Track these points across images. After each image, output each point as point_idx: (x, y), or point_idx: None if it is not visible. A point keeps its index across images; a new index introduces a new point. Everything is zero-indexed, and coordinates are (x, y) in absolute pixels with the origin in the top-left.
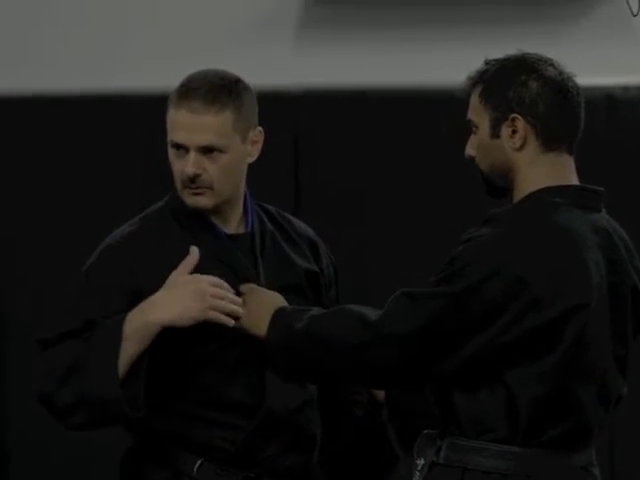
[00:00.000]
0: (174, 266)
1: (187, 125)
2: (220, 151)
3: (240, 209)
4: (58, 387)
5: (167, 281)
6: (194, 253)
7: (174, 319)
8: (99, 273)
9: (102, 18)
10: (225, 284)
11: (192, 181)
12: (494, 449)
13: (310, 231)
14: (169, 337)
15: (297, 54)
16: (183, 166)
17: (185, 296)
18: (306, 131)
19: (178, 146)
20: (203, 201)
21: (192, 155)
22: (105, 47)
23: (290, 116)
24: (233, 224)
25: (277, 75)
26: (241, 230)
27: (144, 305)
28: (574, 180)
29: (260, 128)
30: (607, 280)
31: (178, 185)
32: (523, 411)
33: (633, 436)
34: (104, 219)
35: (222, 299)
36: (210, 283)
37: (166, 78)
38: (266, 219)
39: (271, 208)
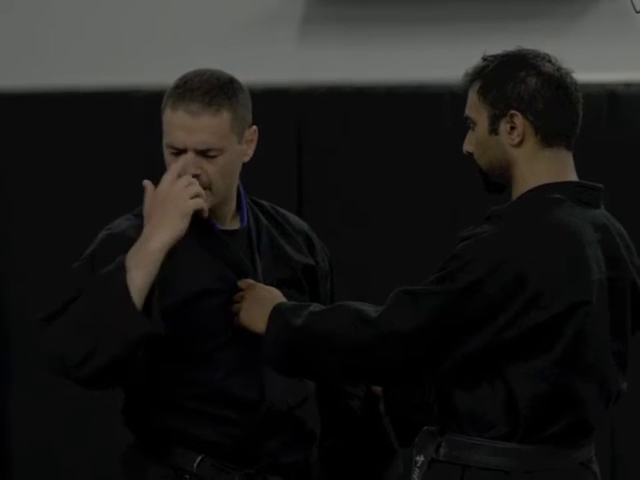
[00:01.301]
0: (171, 261)
1: (185, 127)
2: (218, 152)
3: (234, 205)
4: (71, 340)
5: (145, 215)
6: (148, 184)
7: (172, 234)
8: (104, 258)
9: (107, 12)
10: (175, 166)
11: None
12: (494, 446)
13: (304, 225)
14: (169, 333)
15: (300, 51)
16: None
17: (166, 211)
18: (309, 127)
19: (176, 149)
20: (200, 203)
21: (190, 156)
22: (108, 43)
23: (293, 112)
24: (228, 220)
25: (280, 71)
26: (236, 225)
27: (138, 244)
28: (573, 176)
29: (255, 127)
30: (607, 277)
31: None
32: (523, 408)
33: (634, 432)
34: (104, 214)
35: (194, 183)
36: (169, 183)
37: (169, 75)
38: (260, 214)
39: (265, 203)
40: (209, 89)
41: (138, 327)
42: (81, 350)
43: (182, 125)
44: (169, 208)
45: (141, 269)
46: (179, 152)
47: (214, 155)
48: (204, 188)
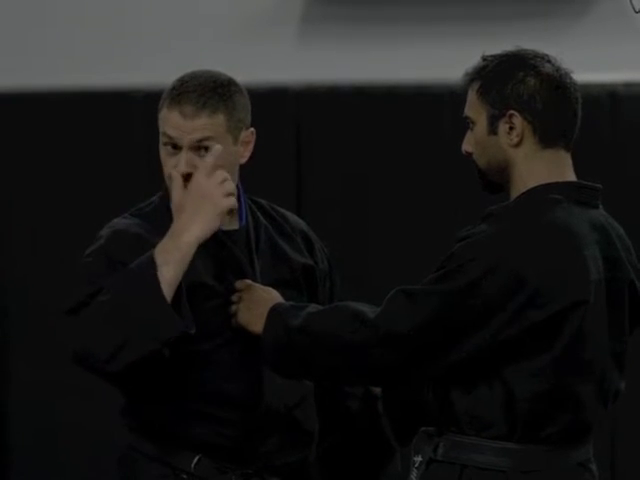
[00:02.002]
0: None
1: (179, 127)
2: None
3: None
4: (100, 335)
5: (174, 207)
6: (177, 175)
7: (206, 230)
8: (116, 253)
9: (106, 12)
10: (209, 159)
11: (185, 179)
12: (492, 446)
13: (303, 224)
14: None
15: (300, 50)
16: (175, 164)
17: (199, 208)
18: (308, 127)
19: (171, 142)
20: None
21: (184, 153)
22: (107, 43)
23: (292, 112)
24: (227, 219)
25: (279, 71)
26: (235, 225)
27: (171, 233)
28: (571, 176)
29: (252, 129)
30: (605, 276)
31: (168, 183)
32: (521, 408)
33: (635, 433)
34: (104, 214)
35: (225, 180)
36: (204, 178)
37: (168, 75)
38: (259, 213)
39: (264, 202)
40: (204, 92)
41: (171, 325)
42: (110, 345)
43: (176, 125)
44: (205, 203)
45: (172, 264)
46: (174, 149)
47: (208, 150)
48: None
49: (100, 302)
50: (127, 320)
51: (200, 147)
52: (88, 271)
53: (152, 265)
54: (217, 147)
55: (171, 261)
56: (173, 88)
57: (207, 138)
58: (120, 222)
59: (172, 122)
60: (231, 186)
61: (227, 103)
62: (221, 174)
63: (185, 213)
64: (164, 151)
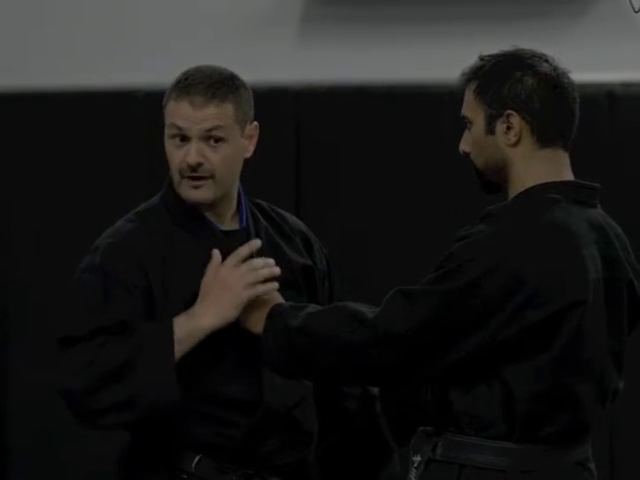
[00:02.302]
0: (175, 264)
1: (189, 117)
2: (221, 139)
3: (234, 205)
4: (98, 386)
5: (201, 290)
6: (216, 256)
7: (223, 321)
8: (112, 272)
9: (105, 12)
10: (242, 250)
11: (194, 170)
12: (491, 445)
13: (302, 225)
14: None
15: (299, 50)
16: (184, 155)
17: (219, 298)
18: (308, 127)
19: (179, 134)
20: (202, 194)
21: (194, 143)
22: (106, 42)
23: (292, 112)
24: (227, 220)
25: (279, 71)
26: (235, 226)
27: (189, 314)
28: (569, 176)
29: (256, 123)
30: (603, 276)
31: (176, 177)
32: (520, 407)
33: (633, 432)
34: (104, 214)
35: (254, 270)
36: (230, 269)
37: (168, 74)
38: (259, 215)
39: (263, 203)
40: (212, 83)
41: (172, 399)
42: (110, 400)
43: (186, 115)
44: (225, 295)
45: (183, 344)
46: (182, 141)
47: (218, 140)
48: (207, 177)
49: (105, 347)
50: (134, 386)
51: (210, 137)
52: (84, 292)
53: (171, 338)
54: (256, 242)
55: (183, 342)
56: (179, 81)
57: (217, 127)
58: (121, 230)
59: (181, 113)
60: (254, 277)
61: (235, 94)
62: (247, 266)
63: (208, 299)
64: (171, 144)
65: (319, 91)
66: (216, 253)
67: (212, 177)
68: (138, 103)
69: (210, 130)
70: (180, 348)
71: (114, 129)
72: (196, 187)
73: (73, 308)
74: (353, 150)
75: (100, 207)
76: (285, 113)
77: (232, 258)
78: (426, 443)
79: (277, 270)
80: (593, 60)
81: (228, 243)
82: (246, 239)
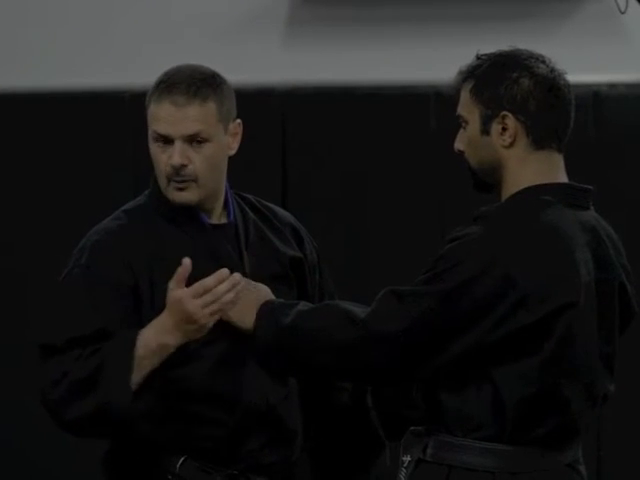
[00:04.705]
0: (164, 259)
1: (171, 117)
2: (205, 140)
3: (222, 200)
4: (69, 400)
5: (167, 301)
6: (185, 265)
7: (192, 338)
8: (98, 272)
9: (93, 15)
10: (208, 281)
11: (177, 173)
12: (481, 447)
13: (291, 217)
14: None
15: (286, 51)
16: (168, 158)
17: (181, 321)
18: (294, 128)
19: (162, 137)
20: (188, 196)
21: (178, 145)
22: (93, 44)
23: (278, 113)
24: (216, 215)
25: (265, 72)
26: (224, 220)
27: (155, 326)
28: (563, 178)
29: (239, 120)
30: (595, 278)
31: (162, 182)
32: (510, 409)
33: (620, 434)
34: (89, 215)
35: (213, 301)
36: (192, 296)
37: (154, 74)
38: (247, 208)
39: (251, 197)
40: (193, 82)
41: (130, 412)
42: (78, 413)
43: (168, 116)
44: (189, 324)
45: (154, 358)
46: (165, 143)
47: (201, 141)
48: (191, 181)
49: (77, 362)
50: (95, 400)
51: (193, 139)
52: (68, 295)
53: (131, 354)
54: (224, 272)
55: (151, 358)
56: (160, 82)
57: (200, 132)
58: (105, 229)
59: (163, 114)
60: (218, 305)
61: (217, 92)
62: (211, 296)
63: (173, 318)
64: (156, 147)
65: (305, 92)
66: (185, 263)
67: (195, 180)
68: (124, 104)
69: (193, 135)
70: (150, 362)
71: (100, 130)
72: (181, 189)
73: (55, 313)
74: (339, 150)
75: (86, 207)
76: (271, 114)
77: (197, 288)
78: (416, 443)
79: (239, 286)
80: (579, 61)
81: (217, 236)
82: (235, 232)
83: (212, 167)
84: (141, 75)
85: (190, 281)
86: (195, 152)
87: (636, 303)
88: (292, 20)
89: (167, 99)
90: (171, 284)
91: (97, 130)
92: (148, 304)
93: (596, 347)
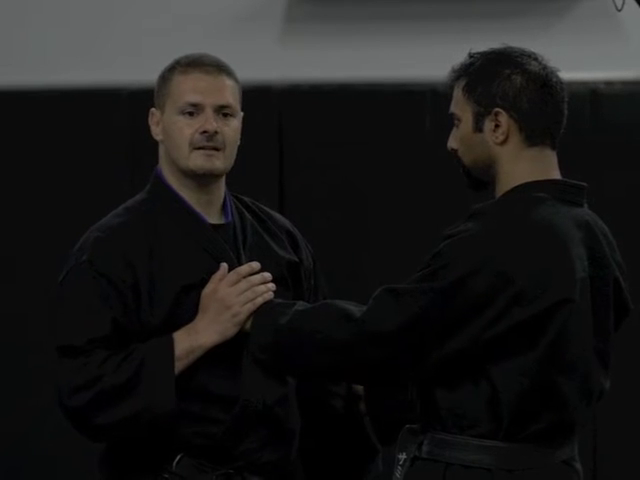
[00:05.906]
0: (163, 257)
1: (203, 86)
2: (231, 115)
3: (221, 199)
4: (101, 406)
5: (200, 303)
6: (224, 267)
7: (222, 338)
8: (101, 268)
9: (91, 12)
10: (242, 268)
11: (210, 139)
12: (477, 444)
13: (287, 222)
14: (151, 332)
15: (283, 49)
16: (198, 126)
17: (216, 314)
18: (291, 125)
19: (193, 107)
20: (216, 163)
21: (210, 113)
22: (91, 42)
23: (275, 110)
24: (215, 214)
25: (262, 69)
26: (221, 220)
27: (190, 329)
28: (556, 175)
29: (242, 113)
30: (590, 275)
31: (184, 152)
32: (506, 406)
33: (616, 431)
34: (85, 213)
35: (246, 289)
36: (229, 286)
37: (152, 72)
38: (243, 209)
39: (246, 199)
40: (216, 59)
41: (172, 415)
42: (112, 418)
43: (200, 85)
44: (225, 313)
45: (184, 361)
46: (192, 115)
47: (227, 115)
48: (219, 149)
49: (105, 363)
50: (135, 404)
51: (221, 110)
52: (76, 293)
53: (171, 355)
54: (256, 265)
55: (183, 358)
56: (179, 61)
57: (229, 105)
58: (105, 225)
59: (194, 84)
60: (251, 295)
61: (235, 76)
62: (245, 283)
63: (208, 315)
64: (181, 121)
65: (302, 89)
66: (224, 266)
67: (223, 150)
68: (121, 101)
69: (224, 106)
70: (180, 364)
71: (98, 127)
72: (209, 156)
73: (67, 313)
74: (336, 148)
75: (83, 206)
76: (268, 111)
77: (232, 276)
78: (412, 441)
79: (272, 285)
80: (576, 59)
81: (216, 236)
82: (233, 233)
83: (234, 142)
84: (139, 72)
85: (190, 279)
86: (224, 123)
87: (630, 300)
88: (289, 18)
89: (197, 69)
90: (207, 287)
91: (95, 127)
92: (147, 302)
93: (591, 343)
